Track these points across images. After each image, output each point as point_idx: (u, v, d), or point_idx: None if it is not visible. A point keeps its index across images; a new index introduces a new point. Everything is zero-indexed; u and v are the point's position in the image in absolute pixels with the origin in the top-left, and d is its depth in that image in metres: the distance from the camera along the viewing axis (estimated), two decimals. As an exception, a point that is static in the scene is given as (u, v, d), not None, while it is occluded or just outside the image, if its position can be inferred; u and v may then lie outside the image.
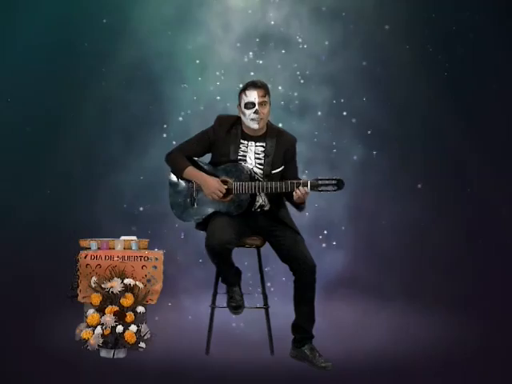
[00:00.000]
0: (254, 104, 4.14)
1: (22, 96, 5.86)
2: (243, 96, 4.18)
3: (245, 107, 4.15)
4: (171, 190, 4.32)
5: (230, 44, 6.08)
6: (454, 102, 6.04)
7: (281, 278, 5.40)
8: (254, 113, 4.13)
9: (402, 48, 6.08)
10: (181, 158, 4.26)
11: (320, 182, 4.02)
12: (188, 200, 4.26)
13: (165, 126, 6.05)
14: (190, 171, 4.23)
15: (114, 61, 6.01)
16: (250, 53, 6.09)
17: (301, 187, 4.03)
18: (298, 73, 6.12)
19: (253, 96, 4.14)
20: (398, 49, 6.08)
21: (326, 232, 6.04)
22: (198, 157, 4.31)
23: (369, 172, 6.09)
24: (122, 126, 6.02)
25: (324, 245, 5.97)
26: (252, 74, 5.91)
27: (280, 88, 6.06)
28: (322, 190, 4.04)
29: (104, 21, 5.94)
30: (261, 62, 6.08)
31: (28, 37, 5.86)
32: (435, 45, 6.07)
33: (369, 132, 6.11)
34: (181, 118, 6.03)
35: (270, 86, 4.30)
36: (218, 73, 6.05)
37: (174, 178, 4.31)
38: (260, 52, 6.10)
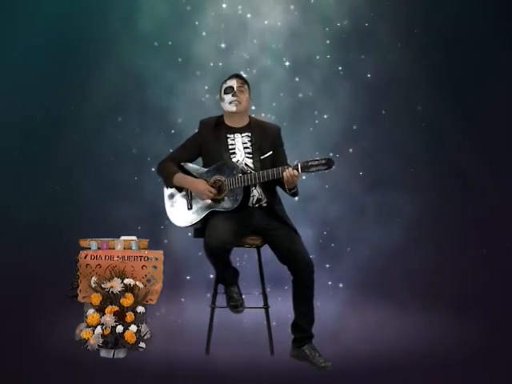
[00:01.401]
0: (232, 88, 4.27)
1: (22, 96, 5.86)
2: (223, 85, 4.33)
3: (224, 92, 4.29)
4: (167, 200, 4.36)
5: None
6: (454, 102, 6.05)
7: (280, 278, 5.41)
8: (232, 95, 4.24)
9: (402, 48, 6.08)
10: (170, 167, 4.32)
11: (310, 164, 4.04)
12: (184, 205, 4.29)
13: (162, 124, 6.09)
14: (178, 177, 4.30)
15: (114, 60, 6.01)
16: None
17: (289, 169, 4.04)
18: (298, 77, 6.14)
19: (232, 82, 4.30)
20: (399, 49, 6.08)
21: (326, 231, 6.05)
22: (189, 162, 4.35)
23: (368, 172, 6.09)
24: (122, 126, 6.02)
25: (324, 244, 5.97)
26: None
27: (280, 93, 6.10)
28: (313, 171, 4.05)
29: (105, 26, 5.96)
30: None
31: (28, 37, 5.86)
32: (435, 45, 6.07)
33: (369, 132, 6.11)
34: (181, 119, 6.04)
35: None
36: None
37: (168, 190, 4.35)
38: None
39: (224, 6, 6.16)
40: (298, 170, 4.03)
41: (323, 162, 4.02)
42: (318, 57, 6.16)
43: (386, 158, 6.09)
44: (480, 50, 6.03)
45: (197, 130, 4.37)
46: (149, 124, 6.05)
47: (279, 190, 4.32)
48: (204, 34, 6.13)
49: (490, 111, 6.05)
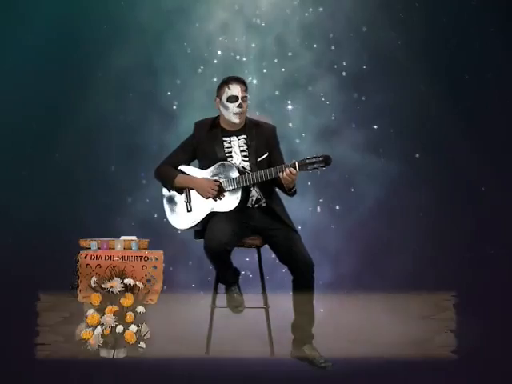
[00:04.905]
0: (237, 98, 4.17)
1: (21, 96, 5.86)
2: (226, 89, 4.20)
3: (228, 100, 4.18)
4: (166, 204, 4.35)
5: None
6: (454, 101, 6.04)
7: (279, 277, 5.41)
8: (238, 107, 4.16)
9: (401, 48, 6.08)
10: (169, 170, 4.30)
11: (307, 161, 4.01)
12: (183, 207, 4.28)
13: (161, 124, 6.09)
14: (180, 178, 4.27)
15: (114, 60, 6.01)
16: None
17: (287, 169, 4.01)
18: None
19: (236, 90, 4.18)
20: (398, 49, 6.08)
21: (326, 231, 6.04)
22: (185, 165, 4.34)
23: (369, 172, 6.09)
24: (122, 126, 6.02)
25: (325, 244, 5.97)
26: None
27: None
28: (310, 169, 4.02)
29: (105, 26, 5.95)
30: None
31: (28, 37, 5.86)
32: (435, 45, 6.07)
33: (369, 132, 6.11)
34: (183, 119, 6.04)
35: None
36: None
37: (166, 191, 4.35)
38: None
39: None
40: (295, 169, 4.02)
41: (321, 159, 4.00)
42: (315, 55, 6.16)
43: (386, 158, 6.08)
44: (480, 50, 6.03)
45: (191, 134, 4.33)
46: (150, 124, 6.05)
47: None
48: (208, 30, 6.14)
49: (490, 111, 6.04)
